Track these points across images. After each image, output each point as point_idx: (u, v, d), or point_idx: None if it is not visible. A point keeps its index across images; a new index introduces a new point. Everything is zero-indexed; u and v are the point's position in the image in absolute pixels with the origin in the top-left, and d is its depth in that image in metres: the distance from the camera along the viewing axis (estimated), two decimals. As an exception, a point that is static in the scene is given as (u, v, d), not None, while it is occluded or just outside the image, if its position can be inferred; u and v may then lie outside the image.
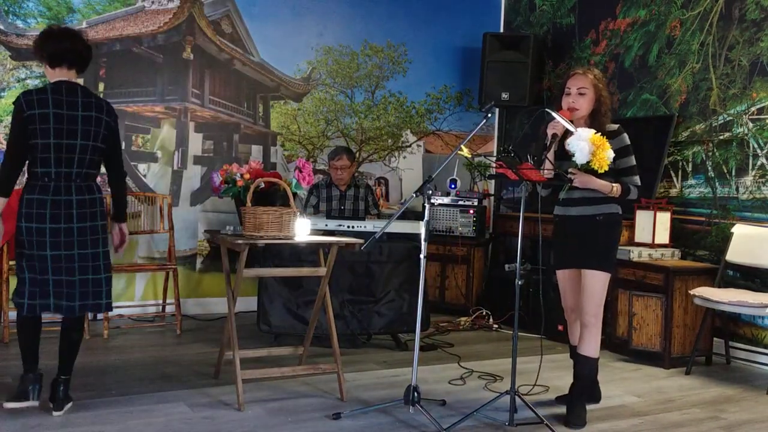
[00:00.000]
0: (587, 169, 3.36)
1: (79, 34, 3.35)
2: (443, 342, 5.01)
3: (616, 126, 3.53)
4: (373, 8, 6.38)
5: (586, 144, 3.29)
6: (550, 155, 3.43)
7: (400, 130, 6.60)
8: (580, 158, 3.32)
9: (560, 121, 3.38)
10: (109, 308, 3.43)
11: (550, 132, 3.43)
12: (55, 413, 3.25)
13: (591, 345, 3.51)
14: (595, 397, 3.78)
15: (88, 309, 3.33)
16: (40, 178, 3.20)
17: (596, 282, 3.47)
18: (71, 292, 3.25)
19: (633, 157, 3.51)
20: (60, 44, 3.24)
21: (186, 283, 5.56)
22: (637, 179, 3.50)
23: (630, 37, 5.68)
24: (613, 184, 3.44)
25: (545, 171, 3.37)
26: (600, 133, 3.38)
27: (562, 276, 3.66)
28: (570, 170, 3.42)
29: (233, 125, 5.87)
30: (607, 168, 3.31)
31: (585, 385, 3.59)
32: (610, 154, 3.31)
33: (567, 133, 3.43)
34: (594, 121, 3.49)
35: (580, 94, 3.47)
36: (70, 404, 3.32)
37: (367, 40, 6.38)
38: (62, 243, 3.21)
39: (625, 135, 3.51)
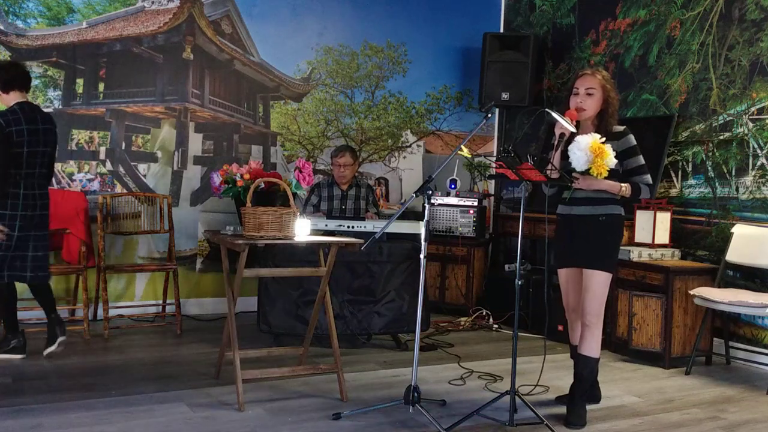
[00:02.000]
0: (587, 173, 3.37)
1: (20, 63, 4.34)
2: (443, 342, 5.01)
3: (622, 127, 3.53)
4: (373, 8, 6.38)
5: (583, 153, 3.29)
6: (557, 155, 3.44)
7: (400, 130, 6.60)
8: (577, 166, 3.33)
9: (561, 122, 3.38)
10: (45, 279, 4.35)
11: (557, 132, 3.44)
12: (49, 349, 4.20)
13: (592, 345, 3.51)
14: (596, 397, 3.78)
15: (37, 279, 4.23)
16: (13, 177, 4.04)
17: (598, 282, 3.47)
18: (24, 265, 4.15)
19: (641, 156, 3.52)
20: (8, 72, 4.09)
21: (186, 283, 5.56)
22: (647, 178, 3.50)
23: (630, 37, 5.68)
24: (622, 185, 3.45)
25: (551, 171, 3.38)
26: (605, 135, 3.38)
27: (564, 275, 3.66)
28: (573, 174, 3.42)
29: (233, 125, 5.87)
30: (606, 174, 3.31)
31: (585, 385, 3.59)
32: (610, 161, 3.30)
33: (575, 133, 3.43)
34: (601, 121, 3.49)
35: (588, 94, 3.47)
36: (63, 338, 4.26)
37: (367, 40, 6.38)
38: (26, 226, 4.11)
39: (632, 136, 3.52)
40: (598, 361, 3.58)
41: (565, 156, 3.44)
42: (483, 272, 6.13)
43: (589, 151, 3.27)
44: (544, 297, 3.92)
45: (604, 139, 3.36)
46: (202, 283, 5.73)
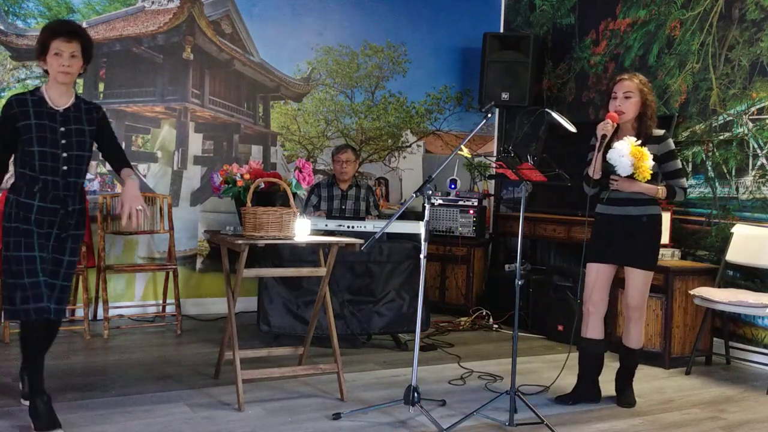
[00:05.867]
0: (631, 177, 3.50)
1: None
2: (443, 342, 5.01)
3: (662, 131, 3.66)
4: (373, 8, 6.38)
5: (627, 159, 3.42)
6: (599, 156, 3.52)
7: (400, 130, 6.60)
8: (622, 172, 3.47)
9: (561, 122, 3.42)
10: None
11: (599, 133, 3.53)
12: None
13: (637, 337, 3.77)
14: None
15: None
16: None
17: (643, 280, 3.66)
18: None
19: (679, 161, 3.68)
20: None
21: (186, 283, 5.56)
22: (683, 182, 3.65)
23: (630, 37, 5.68)
24: (659, 187, 3.57)
25: (593, 171, 3.53)
26: (645, 139, 3.52)
27: (596, 270, 3.72)
28: (612, 177, 3.56)
29: (233, 125, 5.86)
30: (649, 177, 3.45)
31: (631, 372, 3.83)
32: (650, 162, 3.43)
33: (615, 133, 3.55)
34: (641, 124, 3.60)
35: (626, 97, 3.58)
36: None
37: (367, 40, 6.38)
38: None
39: (671, 140, 3.67)
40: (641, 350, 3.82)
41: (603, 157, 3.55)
42: (483, 272, 6.13)
43: (631, 156, 3.40)
44: (576, 298, 4.03)
45: (640, 141, 3.47)
46: (202, 283, 5.73)
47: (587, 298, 3.76)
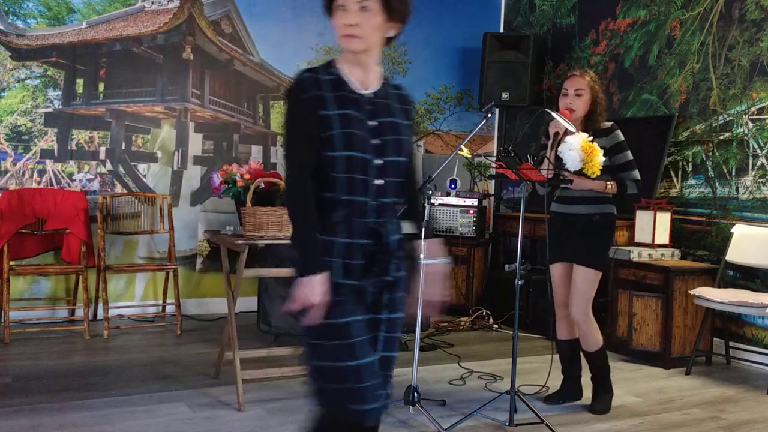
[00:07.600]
0: (581, 172, 3.43)
1: None
2: (443, 342, 5.01)
3: (609, 123, 3.60)
4: (373, 8, 6.37)
5: (576, 153, 3.37)
6: (553, 154, 3.48)
7: (400, 130, 6.59)
8: (571, 167, 3.40)
9: (561, 122, 3.41)
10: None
11: (552, 131, 3.48)
12: None
13: (588, 340, 3.59)
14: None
15: None
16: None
17: (586, 279, 3.52)
18: None
19: (629, 152, 3.56)
20: None
21: (186, 283, 5.55)
22: (635, 174, 3.55)
23: (630, 37, 5.68)
24: (608, 183, 3.49)
25: (545, 170, 3.42)
26: (593, 133, 3.46)
27: (556, 270, 3.69)
28: (563, 173, 3.49)
29: (233, 125, 5.86)
30: (599, 173, 3.40)
31: (600, 375, 3.65)
32: (601, 159, 3.38)
33: (568, 132, 3.47)
34: (590, 121, 3.56)
35: (577, 95, 3.53)
36: None
37: (367, 40, 6.37)
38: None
39: (619, 131, 3.57)
40: (602, 351, 3.62)
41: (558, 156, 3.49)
42: (483, 272, 6.12)
43: (581, 151, 3.34)
44: (549, 296, 3.95)
45: (591, 138, 3.43)
46: (202, 283, 5.73)
47: (556, 301, 3.72)
